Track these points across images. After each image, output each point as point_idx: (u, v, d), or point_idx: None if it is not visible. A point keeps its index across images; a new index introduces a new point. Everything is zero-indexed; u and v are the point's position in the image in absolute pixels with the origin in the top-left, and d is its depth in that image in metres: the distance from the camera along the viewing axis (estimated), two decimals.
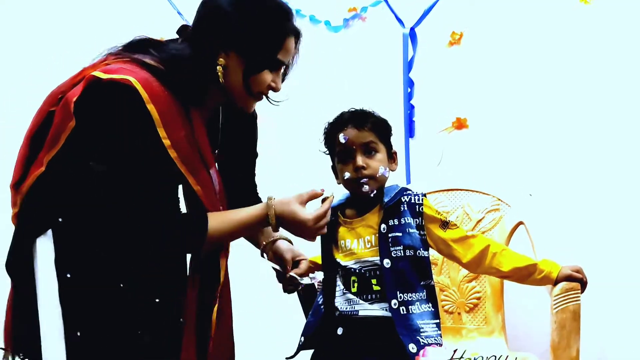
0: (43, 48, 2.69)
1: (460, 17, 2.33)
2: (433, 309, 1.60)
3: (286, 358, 1.66)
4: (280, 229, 1.49)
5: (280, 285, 1.66)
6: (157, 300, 1.39)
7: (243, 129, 1.65)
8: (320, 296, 1.67)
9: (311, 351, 1.65)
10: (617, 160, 2.15)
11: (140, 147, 1.34)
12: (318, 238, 1.58)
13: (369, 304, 1.58)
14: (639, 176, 2.13)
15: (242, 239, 1.59)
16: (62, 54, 2.57)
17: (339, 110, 1.69)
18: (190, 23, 1.49)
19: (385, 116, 1.70)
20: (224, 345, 1.49)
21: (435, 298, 1.63)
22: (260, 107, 1.59)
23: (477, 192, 2.06)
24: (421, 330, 1.54)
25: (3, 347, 1.45)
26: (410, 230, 1.60)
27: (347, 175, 1.60)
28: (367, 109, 1.67)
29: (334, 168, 1.69)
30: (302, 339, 1.66)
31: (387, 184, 1.68)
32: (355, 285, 1.60)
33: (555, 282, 1.59)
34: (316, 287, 1.66)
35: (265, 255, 1.63)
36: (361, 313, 1.58)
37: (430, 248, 1.65)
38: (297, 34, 1.48)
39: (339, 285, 1.64)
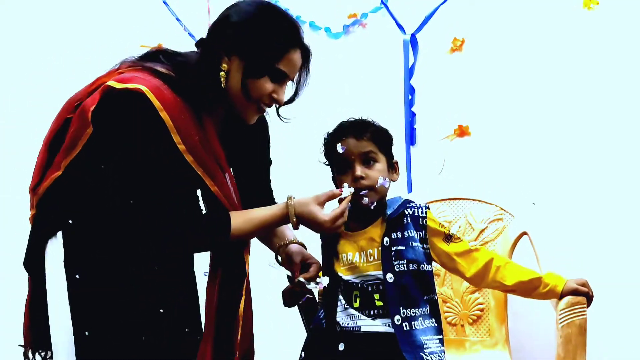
0: (58, 57, 2.71)
1: (462, 23, 2.31)
2: (436, 324, 1.57)
3: None
4: (294, 232, 1.58)
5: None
6: (163, 305, 1.45)
7: (255, 137, 1.67)
8: (322, 310, 1.64)
9: None
10: (623, 168, 2.13)
11: (157, 154, 1.39)
12: (319, 249, 1.63)
13: (372, 319, 1.55)
14: None
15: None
16: (75, 63, 2.64)
17: (339, 118, 1.66)
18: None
19: (385, 124, 1.68)
20: (247, 341, 1.54)
21: (439, 313, 1.60)
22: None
23: (479, 201, 2.04)
24: (425, 346, 1.51)
25: (22, 344, 1.53)
26: (414, 244, 1.58)
27: (345, 185, 1.57)
28: (367, 118, 1.64)
29: (334, 179, 1.66)
30: (303, 354, 1.63)
31: (389, 195, 1.65)
32: (358, 300, 1.57)
33: (561, 296, 1.56)
34: (317, 298, 1.63)
35: (279, 257, 1.64)
36: (363, 329, 1.55)
37: (433, 261, 1.62)
38: (304, 49, 1.50)
39: (341, 300, 1.61)
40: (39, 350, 1.51)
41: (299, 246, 1.64)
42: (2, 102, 2.78)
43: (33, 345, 1.51)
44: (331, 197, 1.52)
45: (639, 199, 2.10)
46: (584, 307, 1.54)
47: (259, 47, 1.44)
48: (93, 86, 1.47)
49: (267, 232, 1.63)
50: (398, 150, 2.28)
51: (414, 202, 1.64)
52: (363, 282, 1.58)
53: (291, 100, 1.56)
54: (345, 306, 1.59)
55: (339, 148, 1.57)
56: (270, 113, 1.60)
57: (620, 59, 2.14)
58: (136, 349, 1.41)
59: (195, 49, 1.53)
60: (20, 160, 2.47)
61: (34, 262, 1.46)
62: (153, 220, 1.40)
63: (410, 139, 2.35)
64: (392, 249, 1.56)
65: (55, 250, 1.42)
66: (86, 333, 1.39)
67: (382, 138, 1.62)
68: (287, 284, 1.62)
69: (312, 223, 1.50)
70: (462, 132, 2.31)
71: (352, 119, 1.64)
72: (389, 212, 1.60)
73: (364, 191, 1.55)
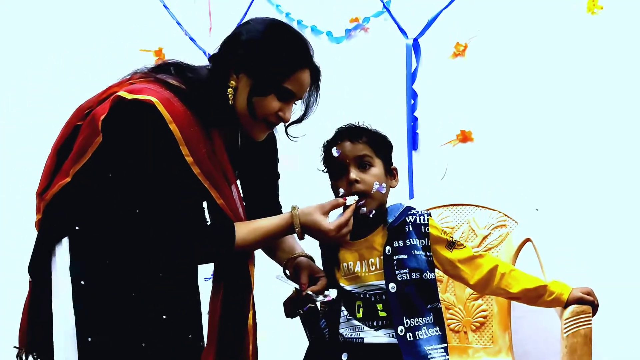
0: (60, 60, 2.72)
1: (465, 28, 2.30)
2: (440, 333, 1.56)
3: None
4: (300, 245, 1.61)
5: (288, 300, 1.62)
6: (166, 313, 1.47)
7: (263, 151, 1.67)
8: (323, 321, 1.62)
9: None
10: (627, 174, 2.12)
11: (165, 165, 1.40)
12: (319, 259, 1.63)
13: (374, 330, 1.54)
14: None
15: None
16: (77, 66, 2.67)
17: (341, 123, 1.65)
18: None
19: (388, 128, 1.67)
20: (253, 355, 1.55)
21: (443, 321, 1.59)
22: None
23: (482, 207, 2.02)
24: (429, 356, 1.50)
25: (16, 346, 1.53)
26: (416, 252, 1.56)
27: (341, 191, 1.55)
28: (365, 124, 1.62)
29: (332, 186, 1.64)
30: None
31: (390, 201, 1.63)
32: (361, 310, 1.56)
33: (566, 305, 1.55)
34: (319, 307, 1.62)
35: (287, 271, 1.63)
36: (367, 340, 1.54)
37: (436, 268, 1.60)
38: (313, 69, 1.50)
39: (343, 311, 1.59)
40: (33, 354, 1.51)
41: (307, 259, 1.63)
42: (4, 106, 2.78)
43: (28, 347, 1.51)
44: (335, 206, 1.51)
45: None
46: (590, 317, 1.53)
47: (266, 66, 1.44)
48: (104, 95, 1.48)
49: (272, 243, 1.62)
50: (400, 155, 2.31)
51: (415, 209, 1.62)
52: (365, 292, 1.56)
53: (300, 119, 1.56)
54: (348, 317, 1.58)
55: (334, 152, 1.56)
56: (277, 129, 1.60)
57: (624, 64, 2.13)
58: (139, 356, 1.42)
59: (201, 59, 1.55)
60: (25, 165, 2.50)
61: (39, 267, 1.47)
62: (158, 230, 1.42)
63: (413, 144, 2.33)
64: (394, 257, 1.54)
65: (61, 255, 1.43)
66: (89, 339, 1.39)
67: (378, 143, 1.61)
68: (289, 294, 1.60)
69: (317, 232, 1.49)
70: (464, 137, 2.29)
71: (350, 124, 1.63)
72: (390, 219, 1.58)
73: (362, 201, 1.53)
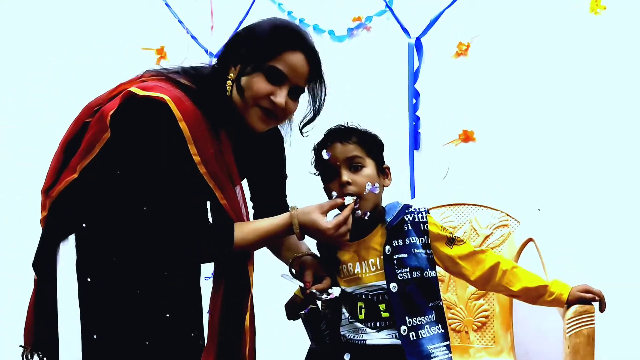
0: (62, 59, 2.73)
1: (467, 27, 2.29)
2: (442, 331, 1.55)
3: None
4: (306, 244, 1.59)
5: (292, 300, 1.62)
6: (169, 311, 1.47)
7: (270, 152, 1.67)
8: (324, 323, 1.61)
9: None
10: (629, 174, 2.12)
11: (172, 162, 1.40)
12: None
13: (377, 332, 1.54)
14: None
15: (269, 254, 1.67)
16: (79, 64, 2.68)
17: (342, 121, 1.63)
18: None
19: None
20: (251, 356, 1.54)
21: (444, 318, 1.58)
22: None
23: (484, 207, 2.02)
24: (432, 355, 1.50)
25: (22, 344, 1.54)
26: (416, 251, 1.55)
27: (334, 194, 1.54)
28: (354, 124, 1.60)
29: (325, 189, 1.62)
30: None
31: (389, 200, 1.63)
32: (363, 311, 1.55)
33: (567, 304, 1.54)
34: (320, 307, 1.61)
35: (292, 270, 1.63)
36: (369, 342, 1.54)
37: (437, 266, 1.60)
38: (308, 53, 1.47)
39: (345, 314, 1.59)
40: (38, 352, 1.52)
41: (313, 258, 1.63)
42: (7, 103, 2.78)
43: (34, 346, 1.52)
44: (334, 206, 1.50)
45: None
46: (592, 317, 1.52)
47: (253, 45, 1.45)
48: (114, 92, 1.48)
49: (274, 243, 1.62)
50: (402, 154, 2.30)
51: (413, 207, 1.61)
52: (367, 292, 1.55)
53: (314, 116, 1.55)
54: (350, 319, 1.57)
55: (324, 154, 1.55)
56: (283, 127, 1.60)
57: (627, 64, 2.13)
58: (142, 353, 1.43)
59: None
60: (28, 163, 2.50)
61: (44, 264, 1.47)
62: (159, 227, 1.41)
63: (415, 143, 2.33)
64: (394, 257, 1.54)
65: (67, 252, 1.44)
66: (94, 336, 1.40)
67: (369, 142, 1.58)
68: (291, 295, 1.60)
69: (315, 231, 1.48)
70: (467, 137, 2.29)
71: (339, 125, 1.61)
72: (388, 219, 1.57)
73: (356, 204, 1.52)
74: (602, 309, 1.53)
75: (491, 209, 2.00)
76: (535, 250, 1.88)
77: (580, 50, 2.16)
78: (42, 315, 1.49)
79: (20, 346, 1.55)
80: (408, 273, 1.53)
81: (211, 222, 1.58)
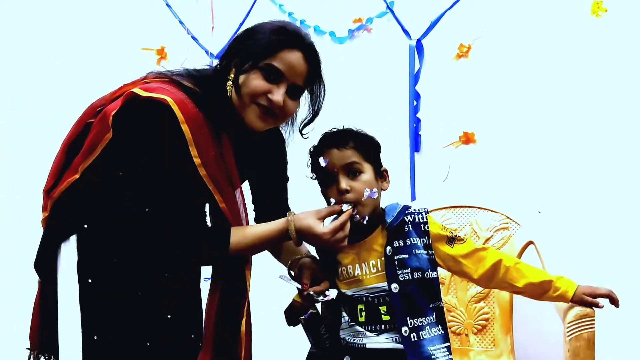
0: (62, 59, 2.73)
1: (468, 29, 2.29)
2: (443, 332, 1.55)
3: None
4: (305, 246, 1.58)
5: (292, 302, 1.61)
6: (170, 312, 1.46)
7: (272, 155, 1.67)
8: (323, 326, 1.60)
9: None
10: (630, 177, 2.11)
11: (172, 164, 1.40)
12: None
13: (376, 335, 1.53)
14: None
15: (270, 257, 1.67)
16: (79, 65, 2.68)
17: (343, 123, 1.62)
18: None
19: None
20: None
21: (445, 319, 1.58)
22: None
23: (485, 209, 2.01)
24: (433, 357, 1.49)
25: (29, 347, 1.54)
26: (417, 251, 1.55)
27: (332, 201, 1.52)
28: (350, 127, 1.58)
29: (323, 194, 1.60)
30: None
31: (390, 201, 1.62)
32: (363, 314, 1.55)
33: (571, 302, 1.53)
34: (319, 312, 1.61)
35: (292, 272, 1.62)
36: (369, 346, 1.53)
37: (439, 267, 1.59)
38: (307, 52, 1.47)
39: (344, 317, 1.58)
40: (45, 354, 1.52)
41: (311, 260, 1.62)
42: (6, 105, 2.78)
43: (41, 348, 1.52)
44: (331, 213, 1.49)
45: None
46: (593, 320, 1.51)
47: (250, 43, 1.45)
48: (117, 93, 1.48)
49: (269, 248, 1.61)
50: (402, 156, 2.30)
51: (413, 208, 1.60)
52: (368, 294, 1.55)
53: (313, 116, 1.55)
54: (350, 323, 1.57)
55: (322, 161, 1.53)
56: (284, 129, 1.60)
57: (628, 66, 2.12)
58: (143, 354, 1.42)
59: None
60: (28, 163, 2.50)
61: (45, 265, 1.47)
62: (157, 229, 1.41)
63: (415, 145, 2.32)
64: (395, 257, 1.53)
65: (68, 253, 1.43)
66: (95, 337, 1.40)
67: (366, 146, 1.56)
68: (290, 297, 1.60)
69: (312, 236, 1.47)
70: (467, 139, 2.28)
71: (334, 129, 1.59)
72: (388, 220, 1.56)
73: (354, 211, 1.50)
74: (616, 305, 1.52)
75: (492, 211, 2.00)
76: (536, 253, 1.87)
77: (581, 52, 2.16)
78: (46, 317, 1.49)
79: (27, 349, 1.55)
80: (409, 274, 1.53)
81: (210, 225, 1.57)
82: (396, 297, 1.51)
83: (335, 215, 1.50)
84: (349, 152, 1.53)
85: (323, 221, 1.48)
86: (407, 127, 2.32)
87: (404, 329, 1.50)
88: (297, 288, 1.55)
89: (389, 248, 1.54)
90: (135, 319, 1.42)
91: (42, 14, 2.77)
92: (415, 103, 2.33)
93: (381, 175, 1.60)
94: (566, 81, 2.17)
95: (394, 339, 1.52)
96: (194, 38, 2.59)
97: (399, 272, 1.52)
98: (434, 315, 1.55)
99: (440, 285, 1.78)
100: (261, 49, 1.44)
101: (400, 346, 1.50)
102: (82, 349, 1.39)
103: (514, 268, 1.55)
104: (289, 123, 1.59)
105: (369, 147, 1.57)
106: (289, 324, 1.59)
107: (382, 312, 1.53)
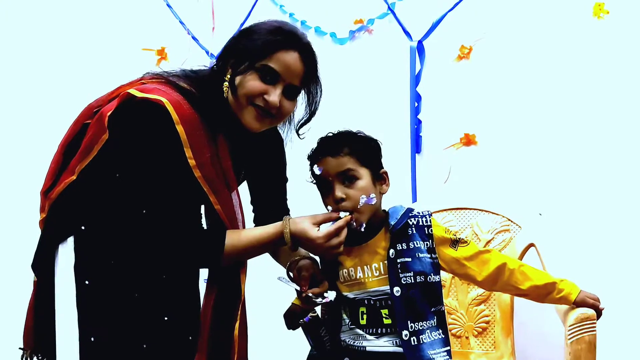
0: (62, 60, 2.72)
1: (470, 30, 2.28)
2: (443, 336, 1.54)
3: None
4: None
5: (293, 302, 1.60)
6: (167, 314, 1.46)
7: (270, 156, 1.66)
8: (323, 329, 1.59)
9: None
10: (632, 179, 2.10)
11: (167, 165, 1.40)
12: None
13: (377, 338, 1.52)
14: None
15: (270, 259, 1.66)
16: (79, 65, 2.67)
17: (343, 125, 1.60)
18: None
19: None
20: None
21: (445, 323, 1.57)
22: None
23: (486, 211, 2.01)
24: None
25: (22, 347, 1.54)
26: (420, 255, 1.54)
27: (330, 209, 1.51)
28: (348, 129, 1.56)
29: (323, 202, 1.59)
30: None
31: (391, 203, 1.61)
32: (365, 317, 1.54)
33: (574, 304, 1.53)
34: (319, 315, 1.60)
35: (290, 273, 1.61)
36: (369, 349, 1.52)
37: (441, 270, 1.58)
38: (304, 53, 1.47)
39: (345, 319, 1.57)
40: (38, 354, 1.51)
41: (310, 262, 1.60)
42: (5, 105, 2.78)
43: (34, 349, 1.51)
44: (328, 219, 1.48)
45: None
46: (594, 323, 1.51)
47: (247, 43, 1.45)
48: (114, 94, 1.48)
49: (264, 252, 1.59)
50: (403, 158, 2.29)
51: (416, 211, 1.59)
52: (369, 297, 1.54)
53: (309, 116, 1.55)
54: (350, 325, 1.56)
55: (316, 169, 1.52)
56: (282, 129, 1.59)
57: (631, 68, 2.11)
58: (140, 356, 1.42)
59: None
60: (27, 164, 2.50)
61: (42, 266, 1.47)
62: (152, 231, 1.41)
63: (416, 146, 2.32)
64: (398, 261, 1.52)
65: (65, 255, 1.43)
66: (92, 339, 1.39)
67: (362, 151, 1.53)
68: (290, 298, 1.59)
69: (305, 240, 1.46)
70: (468, 140, 2.28)
71: (330, 134, 1.57)
72: (392, 222, 1.55)
73: (352, 219, 1.49)
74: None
75: (493, 213, 1.99)
76: (537, 256, 1.87)
77: (583, 54, 2.15)
78: (40, 317, 1.48)
79: (20, 348, 1.55)
80: (412, 277, 1.52)
81: (205, 227, 1.57)
82: (398, 300, 1.50)
83: (333, 221, 1.49)
84: (343, 159, 1.51)
85: (319, 226, 1.46)
86: (408, 128, 2.32)
87: (405, 332, 1.49)
88: (296, 290, 1.54)
89: (392, 251, 1.53)
90: (132, 321, 1.42)
91: (42, 14, 2.76)
92: (416, 104, 2.32)
93: (380, 178, 1.57)
94: (568, 83, 2.16)
95: (393, 342, 1.51)
96: (194, 38, 2.58)
97: (401, 275, 1.51)
98: (435, 319, 1.55)
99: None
100: (257, 50, 1.44)
101: (400, 349, 1.49)
102: (79, 351, 1.39)
103: (518, 271, 1.54)
104: (287, 123, 1.59)
105: (365, 151, 1.54)
106: (289, 328, 1.58)
107: (384, 315, 1.52)
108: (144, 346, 1.42)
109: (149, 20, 2.65)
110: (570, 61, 2.17)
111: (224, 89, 1.46)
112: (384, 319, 1.52)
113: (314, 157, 1.55)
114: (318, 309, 1.61)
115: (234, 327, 1.48)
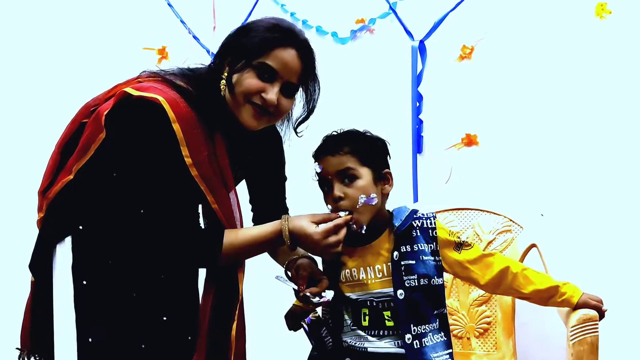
0: (63, 59, 2.72)
1: (472, 30, 2.28)
2: (445, 339, 1.54)
3: None
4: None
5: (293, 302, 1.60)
6: (166, 314, 1.46)
7: (269, 154, 1.65)
8: (324, 329, 1.58)
9: None
10: (634, 180, 2.10)
11: (164, 164, 1.39)
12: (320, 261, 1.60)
13: (378, 339, 1.52)
14: None
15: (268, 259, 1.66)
16: (80, 64, 2.66)
17: (344, 124, 1.59)
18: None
19: (392, 131, 1.63)
20: None
21: (448, 326, 1.57)
22: None
23: (487, 212, 2.00)
24: None
25: (19, 347, 1.53)
26: (424, 258, 1.53)
27: (329, 208, 1.50)
28: (354, 128, 1.55)
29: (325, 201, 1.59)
30: None
31: (395, 204, 1.60)
32: (367, 318, 1.53)
33: (575, 308, 1.53)
34: (320, 315, 1.59)
35: (289, 272, 1.60)
36: (370, 350, 1.52)
37: (445, 272, 1.58)
38: (302, 50, 1.46)
39: (347, 320, 1.57)
40: (35, 355, 1.51)
41: (309, 261, 1.60)
42: (3, 104, 2.77)
43: (32, 349, 1.51)
44: (327, 219, 1.46)
45: None
46: (597, 324, 1.51)
47: (244, 41, 1.44)
48: (111, 92, 1.47)
49: (264, 251, 1.58)
50: (404, 158, 2.29)
51: (421, 213, 1.58)
52: (372, 299, 1.53)
53: (307, 114, 1.54)
54: (352, 327, 1.55)
55: (316, 168, 1.52)
56: (280, 126, 1.59)
57: (632, 69, 2.11)
58: (138, 357, 1.42)
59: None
60: (25, 164, 2.49)
61: (40, 266, 1.47)
62: (149, 230, 1.41)
63: (418, 147, 2.31)
64: (402, 263, 1.51)
65: (63, 255, 1.43)
66: (89, 339, 1.39)
67: (363, 150, 1.51)
68: (287, 305, 1.58)
69: (303, 236, 1.45)
70: (470, 141, 2.27)
71: (334, 132, 1.56)
72: (396, 223, 1.54)
73: (351, 221, 1.48)
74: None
75: (494, 214, 1.98)
76: (538, 256, 1.86)
77: (585, 54, 2.15)
78: (38, 317, 1.48)
79: (17, 349, 1.54)
80: (415, 280, 1.51)
81: (203, 226, 1.56)
82: (401, 303, 1.49)
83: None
84: (343, 158, 1.50)
85: (317, 225, 1.45)
86: (409, 128, 2.31)
87: (407, 335, 1.48)
88: (293, 289, 1.53)
89: (395, 253, 1.52)
90: (130, 321, 1.41)
91: (42, 14, 2.76)
92: (417, 104, 2.32)
93: (382, 178, 1.55)
94: (570, 83, 2.16)
95: (395, 343, 1.50)
96: (195, 37, 2.58)
97: (405, 278, 1.50)
98: (437, 322, 1.54)
99: None
100: (254, 47, 1.43)
101: (402, 350, 1.49)
102: (77, 351, 1.39)
103: (521, 274, 1.54)
104: (285, 121, 1.58)
105: (367, 151, 1.52)
106: (290, 329, 1.57)
107: (386, 317, 1.52)
108: (142, 346, 1.42)
109: (150, 20, 2.65)
110: (573, 61, 2.16)
111: (221, 87, 1.45)
112: (386, 320, 1.51)
113: (316, 156, 1.55)
114: (319, 310, 1.60)
115: (231, 327, 1.47)
